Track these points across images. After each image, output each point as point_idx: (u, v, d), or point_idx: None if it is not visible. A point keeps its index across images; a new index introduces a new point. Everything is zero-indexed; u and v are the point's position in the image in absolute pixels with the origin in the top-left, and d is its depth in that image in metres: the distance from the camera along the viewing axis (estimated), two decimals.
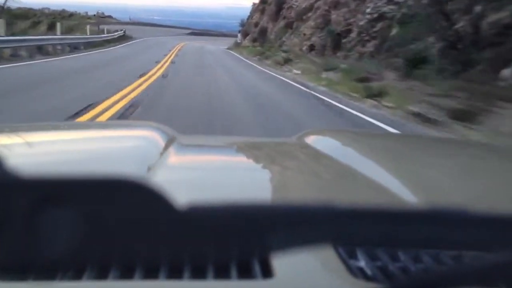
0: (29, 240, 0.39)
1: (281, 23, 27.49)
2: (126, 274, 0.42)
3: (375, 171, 0.82)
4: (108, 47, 24.34)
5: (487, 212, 0.42)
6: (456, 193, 0.79)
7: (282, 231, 0.41)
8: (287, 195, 0.71)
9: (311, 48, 20.04)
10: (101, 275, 0.42)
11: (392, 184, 0.75)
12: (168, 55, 20.31)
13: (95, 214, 0.39)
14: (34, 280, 0.41)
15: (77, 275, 0.42)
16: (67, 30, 33.29)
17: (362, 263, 0.47)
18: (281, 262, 0.44)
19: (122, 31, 35.52)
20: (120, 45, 27.40)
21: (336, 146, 1.13)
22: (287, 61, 17.74)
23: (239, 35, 40.15)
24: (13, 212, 0.38)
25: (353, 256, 0.48)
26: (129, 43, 31.34)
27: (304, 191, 0.75)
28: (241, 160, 1.03)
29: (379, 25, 14.18)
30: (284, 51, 21.00)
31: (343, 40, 16.95)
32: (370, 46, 14.45)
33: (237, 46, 34.54)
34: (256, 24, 34.16)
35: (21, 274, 0.41)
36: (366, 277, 0.45)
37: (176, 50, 25.70)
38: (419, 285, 0.37)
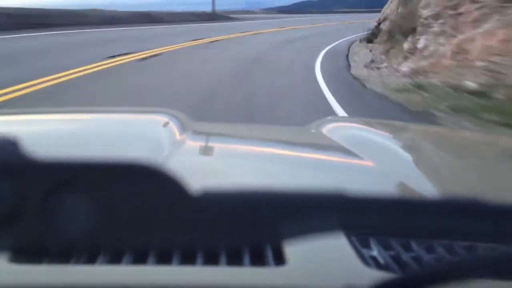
0: (44, 224, 0.39)
1: None
2: (140, 259, 0.42)
3: (390, 160, 0.82)
4: None
5: (500, 203, 0.42)
6: (471, 184, 0.78)
7: (295, 218, 0.41)
8: (301, 183, 0.70)
9: None
10: (115, 259, 0.42)
11: (406, 174, 0.75)
12: None
13: (109, 198, 0.40)
14: (49, 263, 0.41)
15: (91, 259, 0.42)
16: None
17: (375, 252, 0.47)
18: (293, 249, 0.44)
19: None
20: None
21: (352, 135, 1.13)
22: None
23: None
24: (28, 195, 0.39)
25: (366, 245, 0.48)
26: None
27: (318, 180, 0.75)
28: (255, 147, 1.03)
29: None
30: None
31: None
32: None
33: None
34: None
35: (36, 257, 0.41)
36: (379, 266, 0.45)
37: None
38: (432, 275, 0.37)
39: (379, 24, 14.31)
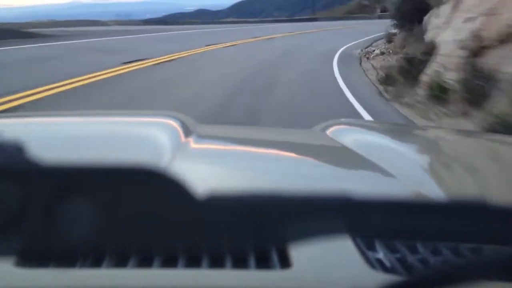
0: (50, 227, 0.39)
1: None
2: (145, 262, 0.42)
3: (396, 163, 0.82)
4: None
5: (506, 205, 0.42)
6: (477, 186, 0.79)
7: (300, 221, 0.41)
8: (306, 185, 0.70)
9: None
10: (120, 263, 0.42)
11: (411, 176, 0.75)
12: None
13: (114, 202, 0.40)
14: (54, 267, 0.41)
15: (97, 263, 0.42)
16: None
17: (380, 254, 0.46)
18: (299, 252, 0.44)
19: None
20: None
21: (357, 137, 1.13)
22: None
23: None
24: (33, 199, 0.39)
25: (371, 247, 0.47)
26: None
27: (323, 182, 0.74)
28: (260, 150, 1.03)
29: None
30: None
31: None
32: None
33: None
34: None
35: (41, 261, 0.41)
36: (385, 269, 0.44)
37: None
38: (438, 277, 0.36)
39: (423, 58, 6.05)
